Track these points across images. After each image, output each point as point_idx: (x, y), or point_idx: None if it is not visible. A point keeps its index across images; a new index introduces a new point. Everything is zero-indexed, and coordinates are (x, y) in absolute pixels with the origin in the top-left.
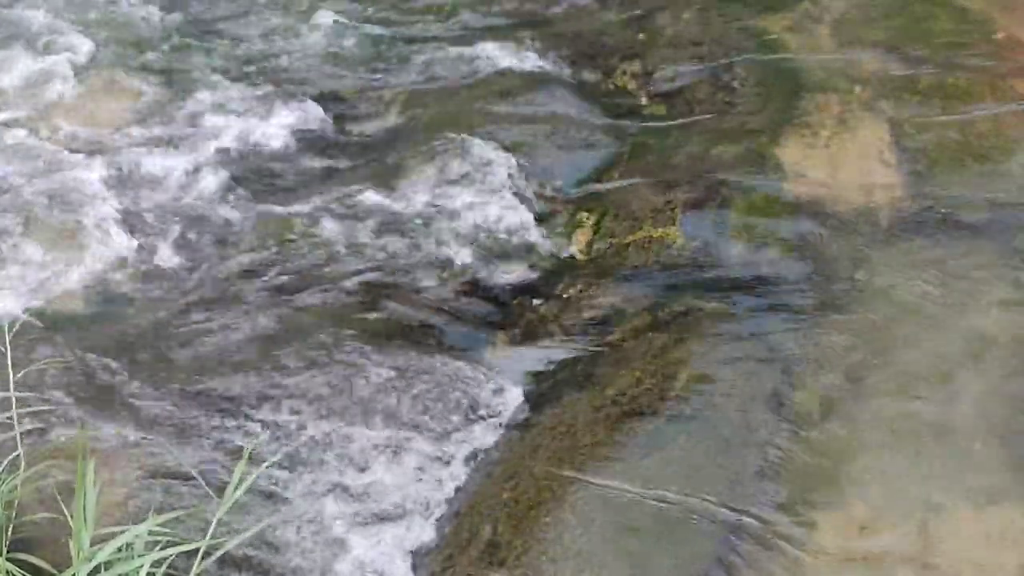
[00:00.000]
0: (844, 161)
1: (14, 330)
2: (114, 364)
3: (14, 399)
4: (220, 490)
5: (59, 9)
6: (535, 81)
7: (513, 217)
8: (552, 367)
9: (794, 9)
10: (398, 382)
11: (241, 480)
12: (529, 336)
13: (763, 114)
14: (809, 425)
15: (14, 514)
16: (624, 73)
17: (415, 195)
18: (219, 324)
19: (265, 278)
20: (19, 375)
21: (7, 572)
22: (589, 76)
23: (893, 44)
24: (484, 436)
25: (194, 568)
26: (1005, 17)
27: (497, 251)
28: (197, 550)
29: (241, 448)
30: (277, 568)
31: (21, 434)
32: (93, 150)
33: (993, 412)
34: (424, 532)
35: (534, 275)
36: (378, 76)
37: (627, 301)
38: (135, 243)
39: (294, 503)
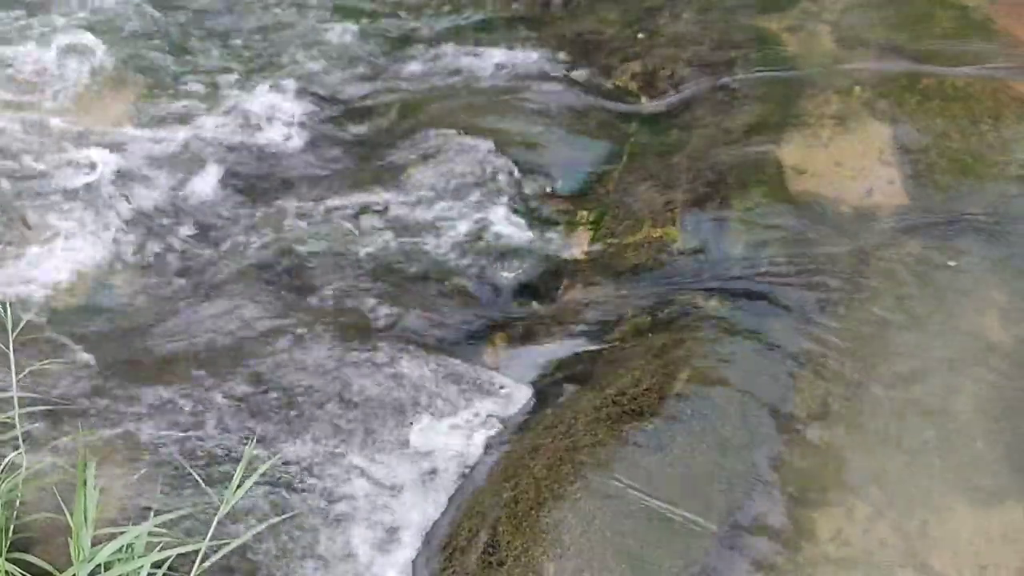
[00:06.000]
0: (844, 161)
1: (17, 330)
2: (114, 363)
3: (16, 399)
4: (221, 490)
5: (61, 9)
6: (535, 81)
7: (513, 217)
8: (552, 367)
9: (794, 9)
10: (398, 382)
11: (242, 481)
12: (529, 336)
13: (763, 114)
14: (809, 425)
15: (14, 514)
16: (624, 73)
17: (415, 195)
18: (219, 324)
19: (265, 278)
20: (20, 374)
21: (7, 572)
22: (589, 76)
23: (893, 44)
24: (484, 436)
25: (194, 569)
26: (1005, 16)
27: (497, 251)
28: (197, 550)
29: (242, 448)
30: (277, 569)
31: (22, 434)
32: (94, 148)
33: (993, 412)
34: (424, 532)
35: (534, 275)
36: (378, 76)
37: (627, 301)
38: (136, 242)
39: (294, 504)
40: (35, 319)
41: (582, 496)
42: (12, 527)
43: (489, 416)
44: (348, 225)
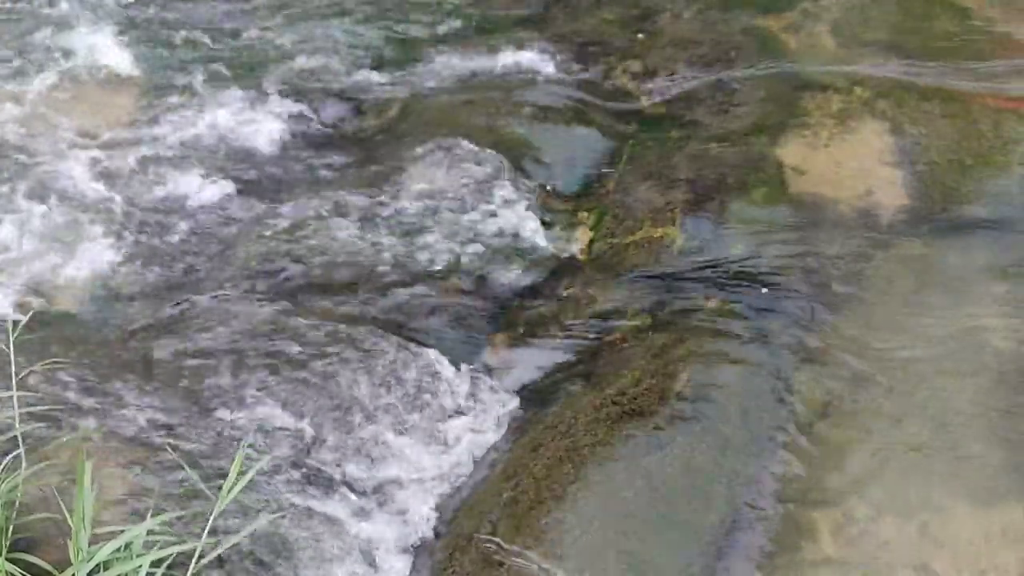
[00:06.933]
0: (844, 161)
1: (18, 330)
2: (114, 364)
3: (15, 399)
4: (218, 489)
5: (60, 8)
6: (535, 81)
7: (513, 217)
8: (552, 367)
9: (794, 9)
10: (398, 382)
11: (237, 479)
12: (529, 336)
13: (763, 114)
14: (809, 424)
15: (14, 514)
16: (624, 73)
17: (415, 195)
18: (218, 324)
19: (264, 278)
20: (20, 374)
21: (7, 572)
22: (589, 76)
23: (893, 44)
24: (484, 436)
25: (191, 567)
26: (1005, 17)
27: (497, 251)
28: (195, 549)
29: (239, 447)
30: (273, 566)
31: (21, 434)
32: (94, 149)
33: (993, 412)
34: (422, 532)
35: (534, 275)
36: (378, 76)
37: (627, 301)
38: (135, 242)
39: (291, 502)
40: (35, 319)
41: (582, 496)
42: (12, 527)
43: (489, 416)
44: (347, 225)
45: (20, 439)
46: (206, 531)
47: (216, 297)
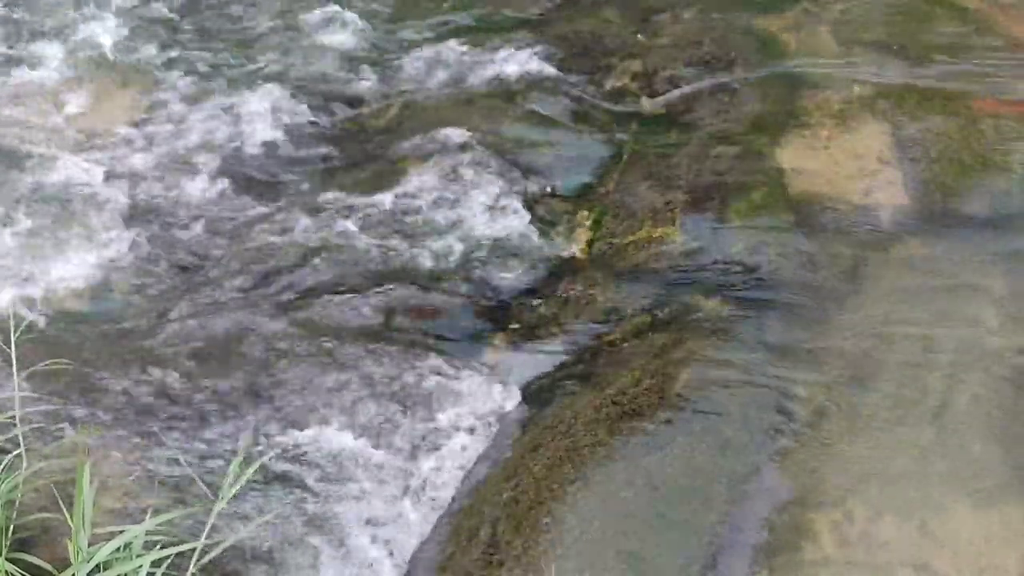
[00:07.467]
0: (844, 161)
1: (20, 330)
2: (114, 364)
3: (17, 399)
4: (218, 490)
5: (61, 9)
6: (535, 81)
7: (513, 217)
8: (552, 367)
9: (794, 9)
10: (397, 382)
11: (237, 479)
12: (529, 336)
13: (763, 114)
14: (809, 424)
15: (14, 514)
16: (624, 73)
17: (415, 195)
18: (217, 324)
19: (264, 278)
20: (21, 375)
21: (7, 572)
22: (589, 76)
23: (893, 44)
24: (484, 436)
25: (191, 567)
26: (1005, 17)
27: (497, 251)
28: (194, 549)
29: (238, 447)
30: (273, 566)
31: (22, 434)
32: (94, 149)
33: (993, 412)
34: (421, 533)
35: (534, 275)
36: (379, 76)
37: (627, 301)
38: (136, 242)
39: (290, 502)
40: (36, 319)
41: (582, 496)
42: (12, 527)
43: (489, 416)
44: (347, 225)
45: (21, 439)
46: (206, 531)
47: (217, 297)
